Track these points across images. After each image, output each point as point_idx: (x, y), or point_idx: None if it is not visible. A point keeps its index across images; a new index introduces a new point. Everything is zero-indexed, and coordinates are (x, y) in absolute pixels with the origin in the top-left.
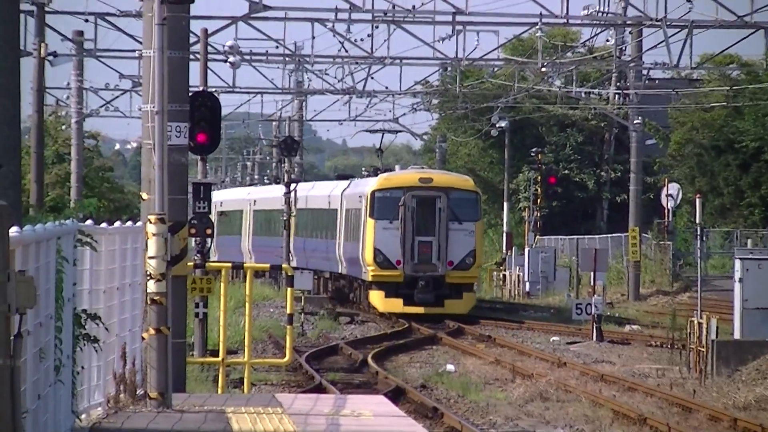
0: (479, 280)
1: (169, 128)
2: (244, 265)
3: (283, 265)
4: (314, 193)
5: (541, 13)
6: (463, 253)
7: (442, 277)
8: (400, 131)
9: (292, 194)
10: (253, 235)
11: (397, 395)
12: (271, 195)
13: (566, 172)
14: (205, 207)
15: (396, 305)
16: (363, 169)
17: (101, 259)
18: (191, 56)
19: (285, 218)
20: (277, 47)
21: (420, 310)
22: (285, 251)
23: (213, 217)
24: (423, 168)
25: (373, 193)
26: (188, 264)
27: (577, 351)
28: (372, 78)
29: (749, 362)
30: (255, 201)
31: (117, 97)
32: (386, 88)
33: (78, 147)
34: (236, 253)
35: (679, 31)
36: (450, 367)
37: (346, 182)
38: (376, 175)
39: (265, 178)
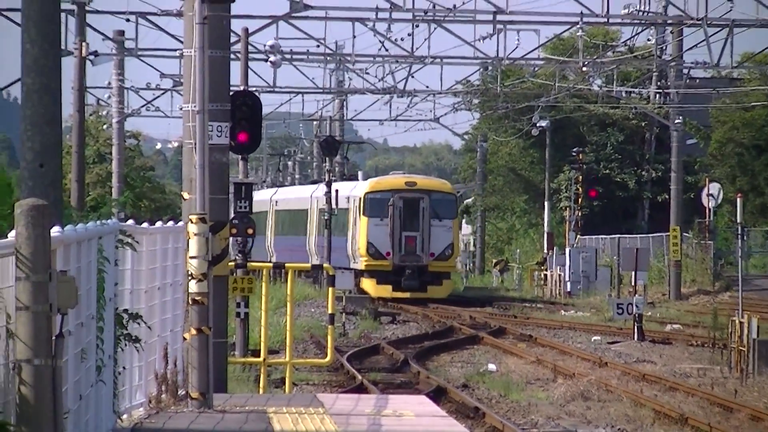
0: (521, 281)
1: (210, 128)
2: (286, 265)
3: (325, 265)
4: (286, 196)
5: (581, 12)
6: (443, 246)
7: (425, 266)
8: (363, 142)
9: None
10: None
11: (438, 395)
12: (262, 198)
13: (607, 171)
14: (246, 206)
15: (386, 290)
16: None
17: (142, 258)
18: (232, 55)
19: (327, 217)
20: (317, 46)
21: (406, 294)
22: (327, 250)
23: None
24: (404, 173)
25: (366, 194)
26: (229, 264)
27: (618, 350)
28: (412, 77)
29: None
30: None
31: (158, 96)
32: (427, 87)
33: (119, 146)
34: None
35: (719, 30)
36: (491, 366)
37: (314, 186)
38: (344, 180)
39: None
